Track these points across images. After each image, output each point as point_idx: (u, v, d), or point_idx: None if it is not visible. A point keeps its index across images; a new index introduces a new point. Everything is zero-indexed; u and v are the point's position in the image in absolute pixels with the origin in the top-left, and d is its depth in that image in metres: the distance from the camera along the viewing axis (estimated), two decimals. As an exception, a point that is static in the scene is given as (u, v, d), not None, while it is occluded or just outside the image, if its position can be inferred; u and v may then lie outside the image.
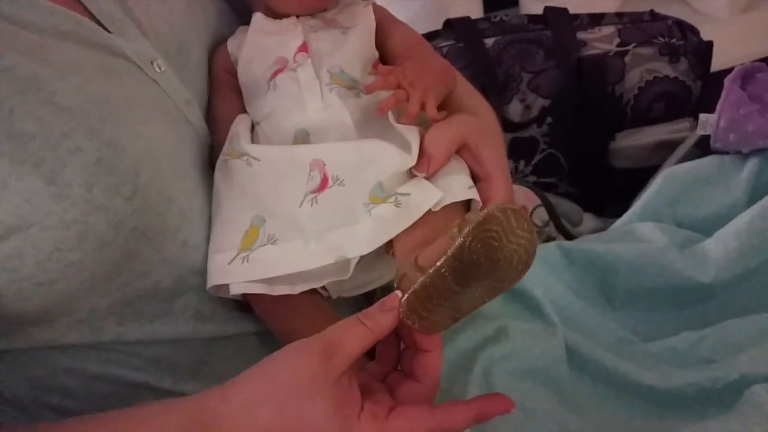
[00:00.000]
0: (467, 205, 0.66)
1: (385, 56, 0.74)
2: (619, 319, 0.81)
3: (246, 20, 0.74)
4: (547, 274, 0.81)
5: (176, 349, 0.67)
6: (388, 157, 0.62)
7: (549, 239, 0.93)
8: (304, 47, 0.70)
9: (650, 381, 0.69)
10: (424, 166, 0.63)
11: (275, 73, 0.69)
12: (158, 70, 0.65)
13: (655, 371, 0.70)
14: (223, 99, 0.73)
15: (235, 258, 0.63)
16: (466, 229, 0.49)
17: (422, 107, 0.63)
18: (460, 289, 0.52)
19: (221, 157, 0.68)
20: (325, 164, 0.63)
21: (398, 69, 0.65)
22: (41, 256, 0.54)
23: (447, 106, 0.70)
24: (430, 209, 0.61)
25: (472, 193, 0.64)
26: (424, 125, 0.66)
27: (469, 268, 0.50)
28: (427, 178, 0.63)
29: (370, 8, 0.75)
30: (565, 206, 0.98)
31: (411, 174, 0.64)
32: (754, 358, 0.67)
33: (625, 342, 0.77)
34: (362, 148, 0.63)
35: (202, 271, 0.65)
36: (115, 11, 0.64)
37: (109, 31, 0.63)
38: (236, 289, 0.63)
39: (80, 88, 0.57)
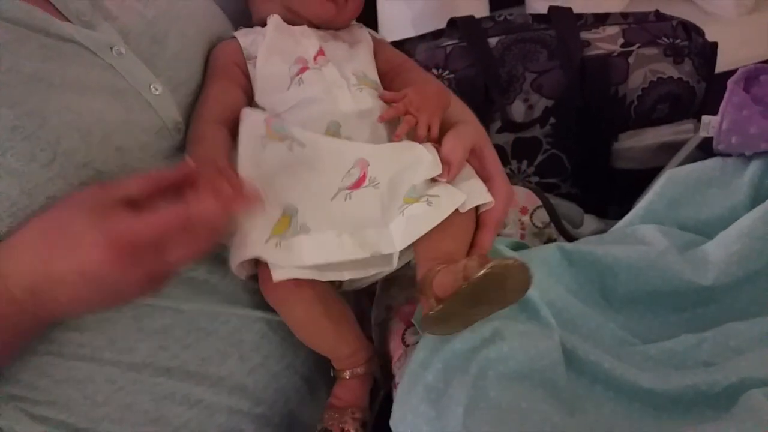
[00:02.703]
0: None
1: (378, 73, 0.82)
2: (618, 321, 0.80)
3: (237, 19, 0.77)
4: (546, 275, 0.80)
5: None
6: (423, 164, 0.70)
7: (549, 240, 0.93)
8: (321, 52, 0.76)
9: (648, 383, 0.68)
10: (446, 173, 0.71)
11: (301, 71, 0.75)
12: (116, 55, 0.68)
13: (653, 373, 0.70)
14: (220, 90, 0.75)
15: (269, 240, 0.67)
16: (474, 277, 0.60)
17: (429, 129, 0.73)
18: (470, 310, 0.65)
19: (254, 137, 0.71)
20: (368, 164, 0.70)
21: (403, 95, 0.74)
22: None
23: (444, 118, 0.78)
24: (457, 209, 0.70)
25: (490, 197, 0.73)
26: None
27: (477, 299, 0.62)
28: (449, 182, 0.71)
29: (366, 30, 0.84)
30: (566, 207, 0.98)
31: (432, 180, 0.71)
32: (754, 362, 0.67)
33: (623, 344, 0.76)
34: (403, 155, 0.71)
35: None
36: (81, 6, 0.68)
37: (69, 21, 0.66)
38: (283, 274, 0.67)
39: (11, 65, 0.60)
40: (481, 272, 0.59)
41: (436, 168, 0.70)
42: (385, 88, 0.80)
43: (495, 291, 0.62)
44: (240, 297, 0.74)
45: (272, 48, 0.77)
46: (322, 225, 0.68)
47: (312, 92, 0.74)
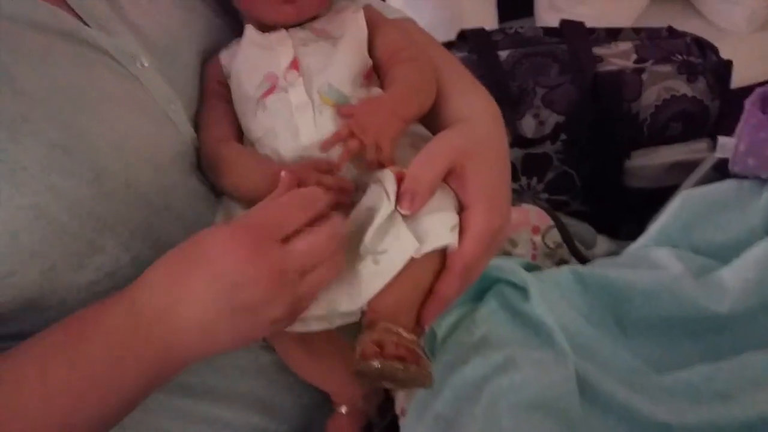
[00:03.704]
0: None
1: (375, 63, 0.72)
2: (631, 348, 0.79)
3: (241, 32, 0.73)
4: (559, 298, 0.79)
5: None
6: (377, 217, 0.61)
7: (562, 261, 0.91)
8: (294, 64, 0.68)
9: (663, 417, 0.67)
10: (407, 203, 0.60)
11: (265, 94, 0.68)
12: (140, 67, 0.65)
13: (668, 406, 0.68)
14: (211, 108, 0.72)
15: None
16: (358, 367, 0.58)
17: (378, 152, 0.63)
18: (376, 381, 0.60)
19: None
20: None
21: (350, 112, 0.64)
22: None
23: (436, 109, 0.69)
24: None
25: (451, 238, 0.62)
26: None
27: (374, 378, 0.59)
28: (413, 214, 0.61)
29: (361, 14, 0.72)
30: (579, 228, 0.96)
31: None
32: (772, 395, 0.65)
33: (638, 373, 0.74)
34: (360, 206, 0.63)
35: None
36: (100, 9, 0.64)
37: (88, 25, 0.63)
38: None
39: (46, 75, 0.57)
40: (360, 367, 0.57)
41: (387, 209, 0.61)
42: (381, 83, 0.71)
43: (388, 380, 0.59)
44: None
45: (244, 63, 0.70)
46: None
47: (273, 122, 0.67)
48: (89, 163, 0.57)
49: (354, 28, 0.71)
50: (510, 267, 0.79)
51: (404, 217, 0.61)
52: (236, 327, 0.54)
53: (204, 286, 0.53)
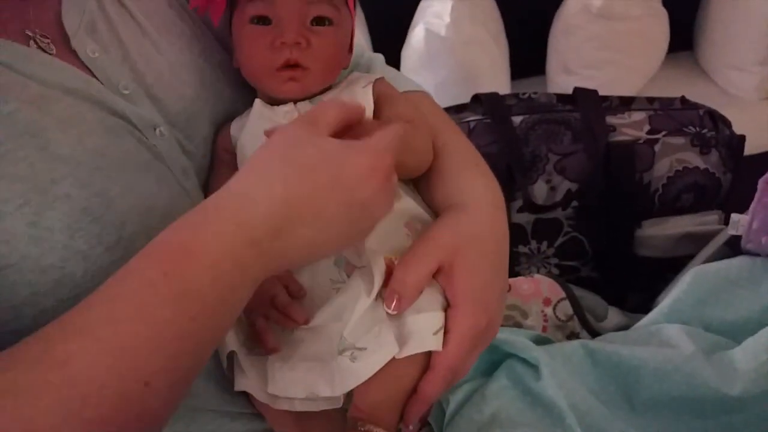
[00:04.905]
0: None
1: None
2: (641, 426, 0.78)
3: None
4: (569, 375, 0.78)
5: None
6: (355, 306, 0.60)
7: (572, 334, 0.91)
8: None
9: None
10: (393, 304, 0.59)
11: None
12: (159, 136, 0.66)
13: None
14: (219, 175, 0.72)
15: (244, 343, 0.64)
16: None
17: None
18: None
19: None
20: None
21: None
22: (16, 301, 0.53)
23: (434, 186, 0.69)
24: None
25: (434, 343, 0.60)
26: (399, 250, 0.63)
27: None
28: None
29: (369, 89, 0.71)
30: (591, 300, 0.96)
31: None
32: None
33: (647, 455, 0.74)
34: (339, 297, 0.62)
35: None
36: (123, 79, 0.66)
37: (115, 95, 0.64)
38: (240, 385, 0.64)
39: (77, 139, 0.58)
40: None
41: (365, 303, 0.60)
42: None
43: None
44: None
45: (249, 136, 0.70)
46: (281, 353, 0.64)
47: None
48: (113, 229, 0.58)
49: (365, 102, 0.70)
50: (522, 343, 0.79)
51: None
52: (351, 221, 0.55)
53: (327, 185, 0.53)
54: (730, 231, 0.91)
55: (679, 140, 1.12)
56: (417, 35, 1.71)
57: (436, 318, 0.61)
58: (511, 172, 1.14)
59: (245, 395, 0.68)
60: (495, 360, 0.80)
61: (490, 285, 0.63)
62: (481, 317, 0.61)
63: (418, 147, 0.68)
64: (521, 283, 0.94)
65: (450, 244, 0.62)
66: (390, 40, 1.65)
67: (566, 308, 0.91)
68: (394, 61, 1.42)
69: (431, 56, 1.69)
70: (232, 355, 0.65)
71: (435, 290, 0.62)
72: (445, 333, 0.61)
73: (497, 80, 1.72)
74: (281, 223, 0.51)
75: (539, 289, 0.92)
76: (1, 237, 0.52)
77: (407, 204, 0.68)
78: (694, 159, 1.12)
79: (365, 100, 0.71)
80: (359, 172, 0.53)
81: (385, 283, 0.61)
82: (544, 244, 1.17)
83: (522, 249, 1.18)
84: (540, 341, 0.85)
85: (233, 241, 0.49)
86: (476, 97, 1.25)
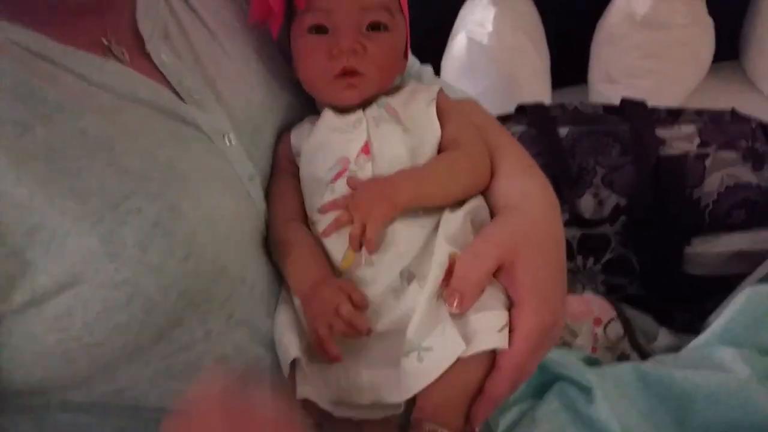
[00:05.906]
0: None
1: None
2: (693, 452, 0.76)
3: (313, 112, 0.73)
4: (620, 397, 0.77)
5: None
6: (413, 321, 0.59)
7: (623, 355, 0.89)
8: (366, 148, 0.68)
9: None
10: (453, 300, 0.58)
11: (336, 177, 0.68)
12: (228, 144, 0.66)
13: None
14: (281, 183, 0.72)
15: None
16: None
17: (363, 229, 0.62)
18: None
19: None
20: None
21: (357, 186, 0.64)
22: (89, 317, 0.53)
23: (489, 189, 0.68)
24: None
25: (500, 340, 0.59)
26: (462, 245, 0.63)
27: None
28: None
29: (433, 110, 0.70)
30: (641, 320, 0.94)
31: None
32: None
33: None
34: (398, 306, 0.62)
35: (245, 351, 0.64)
36: (195, 84, 0.66)
37: (183, 99, 0.64)
38: (303, 392, 0.62)
39: (148, 151, 0.58)
40: None
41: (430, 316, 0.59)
42: None
43: None
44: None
45: (315, 145, 0.70)
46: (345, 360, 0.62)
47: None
48: (184, 242, 0.57)
49: (430, 132, 0.70)
50: (573, 365, 0.77)
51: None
52: None
53: None
54: (787, 251, 0.89)
55: (731, 154, 1.10)
56: (458, 44, 1.70)
57: (500, 316, 0.60)
58: (557, 185, 1.12)
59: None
60: (545, 381, 0.79)
61: (551, 283, 0.62)
62: (546, 315, 0.60)
63: (461, 173, 0.67)
64: (571, 301, 0.93)
65: (509, 242, 0.61)
66: (429, 48, 1.64)
67: (617, 329, 0.89)
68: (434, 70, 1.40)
69: (473, 65, 1.68)
70: (294, 363, 0.65)
71: (497, 289, 0.61)
72: (510, 331, 0.60)
73: (539, 89, 1.70)
74: None
75: (590, 308, 0.90)
76: (76, 256, 0.52)
77: (476, 201, 0.68)
78: (746, 174, 1.09)
79: (430, 122, 0.70)
80: None
81: (446, 282, 0.60)
82: (591, 260, 1.15)
83: (567, 265, 1.16)
84: (590, 362, 0.84)
85: None
86: (520, 108, 1.23)
